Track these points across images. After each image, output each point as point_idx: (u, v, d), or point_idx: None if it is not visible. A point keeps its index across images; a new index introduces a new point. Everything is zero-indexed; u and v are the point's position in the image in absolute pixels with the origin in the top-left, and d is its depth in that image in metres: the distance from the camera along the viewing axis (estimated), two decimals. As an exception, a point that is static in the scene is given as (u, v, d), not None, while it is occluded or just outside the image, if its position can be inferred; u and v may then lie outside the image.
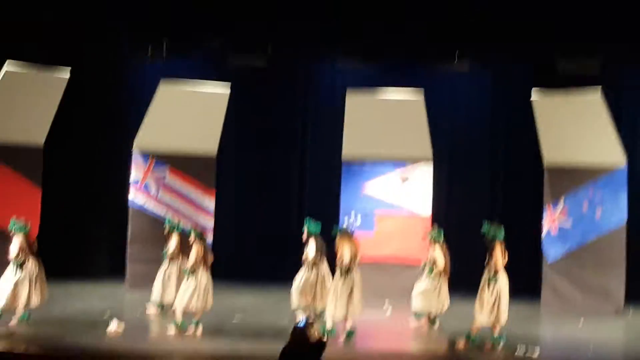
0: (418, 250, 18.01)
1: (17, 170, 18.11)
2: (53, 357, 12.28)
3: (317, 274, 15.56)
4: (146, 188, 19.34)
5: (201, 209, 19.49)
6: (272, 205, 21.81)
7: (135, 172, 19.39)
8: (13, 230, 14.73)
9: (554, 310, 17.75)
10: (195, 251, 14.47)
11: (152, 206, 19.29)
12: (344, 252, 14.20)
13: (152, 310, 16.43)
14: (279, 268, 19.51)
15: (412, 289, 15.94)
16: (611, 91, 18.18)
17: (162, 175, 19.45)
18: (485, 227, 14.16)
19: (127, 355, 12.69)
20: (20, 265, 14.55)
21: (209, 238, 18.87)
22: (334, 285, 14.33)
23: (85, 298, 17.96)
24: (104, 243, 21.20)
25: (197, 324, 14.43)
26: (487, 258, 14.00)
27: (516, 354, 13.50)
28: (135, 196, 19.31)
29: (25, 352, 12.81)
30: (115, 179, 20.81)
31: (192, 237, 14.66)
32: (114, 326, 14.34)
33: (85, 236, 20.88)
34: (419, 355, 14.13)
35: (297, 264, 15.94)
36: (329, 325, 14.18)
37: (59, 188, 19.92)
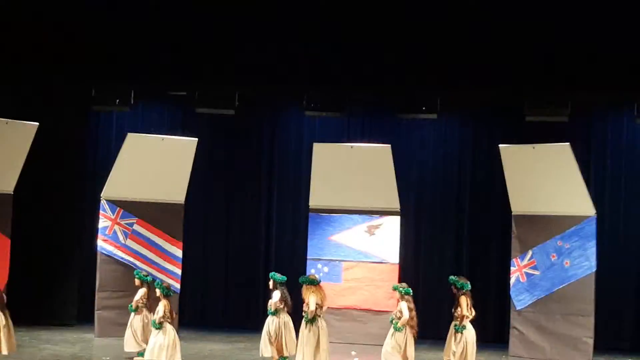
0: (387, 297, 18.06)
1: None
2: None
3: (279, 321, 15.58)
4: (114, 237, 19.28)
5: (169, 257, 19.41)
6: (240, 253, 21.77)
7: (103, 221, 19.33)
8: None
9: (522, 358, 17.77)
10: (162, 305, 14.49)
11: (120, 254, 19.24)
12: (310, 300, 14.25)
13: None
14: (248, 315, 19.54)
15: (380, 336, 15.90)
16: (580, 142, 18.39)
17: (129, 224, 19.41)
18: (452, 279, 14.26)
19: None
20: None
21: (177, 286, 18.88)
22: (301, 335, 14.38)
23: (54, 344, 17.82)
24: (72, 290, 21.03)
25: None
26: (454, 308, 14.09)
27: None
28: (103, 244, 19.25)
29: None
30: (84, 227, 20.76)
31: (158, 292, 14.68)
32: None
33: (54, 284, 20.71)
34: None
35: (265, 311, 15.96)
36: None
37: (27, 235, 19.80)
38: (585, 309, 17.55)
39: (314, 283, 14.57)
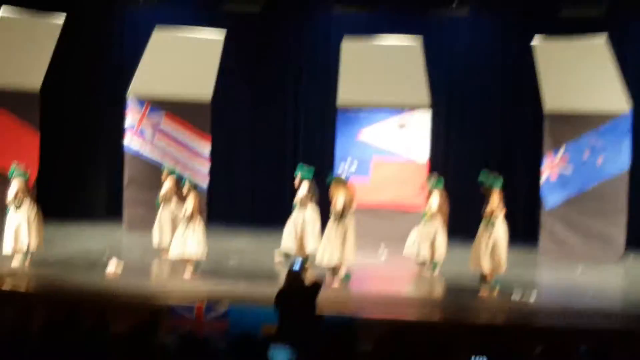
0: (414, 196, 17.96)
1: (15, 115, 17.96)
2: (54, 297, 12.30)
3: (304, 216, 15.57)
4: (141, 133, 19.22)
5: (197, 154, 19.37)
6: (268, 149, 21.68)
7: (131, 118, 19.26)
8: (13, 176, 14.89)
9: (552, 256, 17.71)
10: (191, 201, 14.43)
11: (147, 151, 19.19)
12: (338, 198, 14.15)
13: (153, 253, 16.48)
14: (274, 212, 19.50)
15: (407, 235, 15.87)
16: (616, 36, 17.97)
17: (157, 121, 19.33)
18: (483, 175, 14.08)
19: (126, 295, 12.69)
20: (18, 207, 14.69)
21: (205, 183, 18.85)
22: (327, 231, 14.31)
23: (84, 240, 18.03)
24: (101, 186, 21.19)
25: (194, 270, 14.45)
26: (484, 206, 13.92)
27: (512, 298, 13.47)
28: (131, 141, 19.20)
29: (27, 292, 12.87)
30: (111, 124, 20.72)
31: (186, 187, 14.63)
32: (112, 267, 14.43)
33: (83, 179, 20.87)
34: (414, 298, 14.11)
35: (291, 208, 15.96)
36: (343, 271, 14.14)
37: (56, 132, 19.85)
38: (617, 206, 17.43)
39: (343, 181, 14.45)
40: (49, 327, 7.35)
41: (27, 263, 14.72)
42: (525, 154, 20.06)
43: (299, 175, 15.72)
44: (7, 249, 14.74)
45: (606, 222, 17.47)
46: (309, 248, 15.50)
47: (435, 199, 15.38)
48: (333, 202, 14.23)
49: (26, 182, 15.02)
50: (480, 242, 13.91)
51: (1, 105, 17.77)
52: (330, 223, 14.23)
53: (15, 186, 14.79)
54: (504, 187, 14.00)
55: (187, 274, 14.38)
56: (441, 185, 15.53)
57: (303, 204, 15.65)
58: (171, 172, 16.55)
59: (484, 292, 13.78)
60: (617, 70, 17.25)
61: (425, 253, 15.47)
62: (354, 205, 14.45)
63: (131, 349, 6.92)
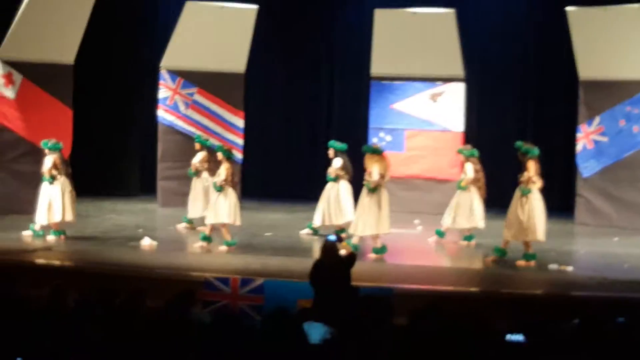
0: (450, 166, 17.90)
1: (48, 90, 17.97)
2: (89, 272, 12.35)
3: (338, 188, 15.54)
4: (175, 107, 19.21)
5: (230, 127, 19.38)
6: (300, 124, 21.69)
7: (164, 91, 19.25)
8: (47, 149, 14.89)
9: (588, 226, 17.62)
10: (224, 169, 14.41)
11: (181, 124, 19.18)
12: (373, 169, 14.06)
13: (182, 226, 16.49)
14: (309, 184, 19.49)
15: (444, 205, 15.79)
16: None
17: (190, 94, 19.31)
18: (519, 144, 13.94)
19: (161, 268, 12.72)
20: (52, 179, 14.74)
21: (239, 156, 18.84)
22: (360, 203, 14.25)
23: (118, 214, 18.09)
24: (135, 161, 21.25)
25: (227, 243, 14.46)
26: (520, 174, 13.80)
27: (549, 268, 13.39)
28: (164, 115, 19.19)
29: (63, 266, 12.94)
30: (144, 98, 20.74)
31: (220, 155, 14.61)
32: (147, 241, 14.45)
33: (116, 154, 20.96)
34: (449, 271, 14.06)
35: (325, 182, 15.90)
36: (355, 240, 14.11)
37: (88, 106, 19.86)
38: (654, 175, 17.28)
39: (378, 152, 14.36)
40: (84, 302, 7.37)
41: (62, 238, 14.79)
42: (561, 122, 19.89)
43: (331, 149, 15.66)
44: (41, 221, 14.81)
45: (642, 191, 17.35)
46: (344, 220, 15.48)
47: (470, 168, 15.28)
48: (367, 172, 14.17)
49: (61, 155, 15.07)
50: (516, 211, 13.79)
51: (35, 79, 17.72)
52: (364, 193, 14.18)
53: (50, 159, 14.84)
54: (540, 157, 13.87)
55: (226, 236, 14.40)
56: (476, 155, 15.43)
57: (337, 176, 15.60)
58: (203, 143, 16.55)
59: (520, 263, 13.69)
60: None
61: (463, 223, 15.40)
62: (388, 176, 14.39)
63: (166, 323, 6.91)
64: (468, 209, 15.31)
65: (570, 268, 13.43)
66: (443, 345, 6.20)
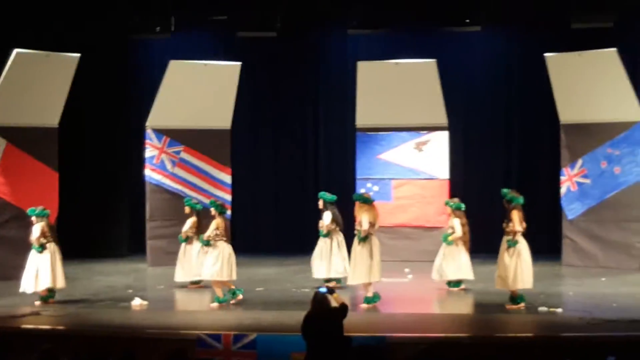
0: (438, 213, 18.02)
1: (33, 153, 18.01)
2: (80, 334, 12.32)
3: (331, 242, 15.61)
4: (162, 165, 19.29)
5: (218, 184, 19.46)
6: (289, 176, 21.76)
7: (150, 150, 19.33)
8: (34, 217, 14.87)
9: (575, 267, 17.74)
10: (215, 223, 14.48)
11: (168, 183, 19.25)
12: (363, 219, 14.15)
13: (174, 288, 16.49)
14: (300, 238, 19.55)
15: (433, 252, 15.87)
16: (627, 46, 18.02)
17: (176, 152, 19.40)
18: (505, 191, 14.07)
19: (153, 328, 12.70)
20: (42, 247, 14.69)
21: (228, 212, 18.86)
22: (353, 253, 14.32)
23: (107, 276, 18.01)
24: (123, 221, 21.20)
25: (233, 293, 14.51)
26: (505, 222, 13.92)
27: (539, 310, 13.46)
28: (151, 174, 19.25)
29: (53, 330, 12.89)
30: (131, 158, 20.82)
31: (212, 211, 14.68)
32: (138, 302, 14.45)
33: (104, 215, 20.85)
34: (441, 318, 14.10)
35: (316, 235, 15.96)
36: (370, 293, 14.16)
37: (75, 168, 19.96)
38: (637, 215, 17.48)
39: (368, 201, 14.44)
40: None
41: (51, 302, 14.69)
42: (545, 167, 20.09)
43: (321, 200, 15.75)
44: (25, 288, 14.71)
45: (626, 231, 17.48)
46: (338, 271, 15.55)
47: (457, 224, 15.41)
48: (357, 221, 14.26)
49: (48, 221, 15.00)
50: (503, 260, 13.88)
51: (19, 144, 17.75)
52: (356, 243, 14.25)
53: (38, 228, 14.76)
54: (524, 205, 14.00)
55: (218, 292, 14.43)
56: (462, 208, 15.57)
57: (329, 231, 15.65)
58: (193, 207, 16.53)
59: (510, 307, 13.77)
60: (629, 79, 17.28)
61: (452, 275, 15.50)
62: (378, 225, 14.49)
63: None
64: (456, 262, 15.43)
65: (559, 310, 13.51)
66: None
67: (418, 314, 14.11)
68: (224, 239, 14.54)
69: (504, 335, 12.22)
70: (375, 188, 19.29)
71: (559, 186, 18.23)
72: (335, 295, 10.32)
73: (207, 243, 14.49)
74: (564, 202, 18.10)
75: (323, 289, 10.19)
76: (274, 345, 10.73)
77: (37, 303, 14.62)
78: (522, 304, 13.78)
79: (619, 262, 17.44)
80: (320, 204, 15.75)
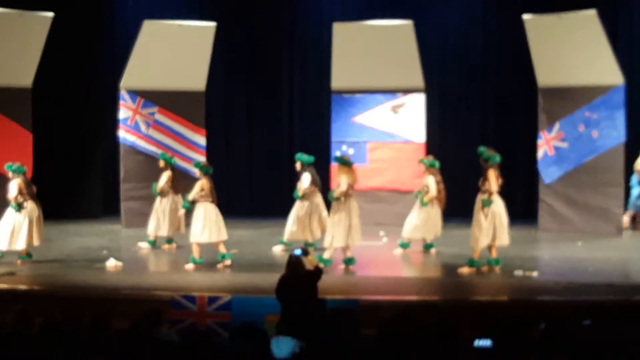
0: (413, 177, 17.93)
1: (6, 114, 17.86)
2: (54, 295, 12.28)
3: (311, 204, 15.56)
4: (136, 127, 19.13)
5: (192, 146, 19.32)
6: (263, 139, 21.64)
7: (124, 112, 19.15)
8: (11, 173, 14.76)
9: (552, 232, 17.71)
10: (200, 184, 14.41)
11: (142, 144, 19.11)
12: (342, 180, 14.11)
13: (144, 246, 16.41)
14: (274, 200, 19.49)
15: (407, 216, 15.85)
16: (607, 9, 17.92)
17: (151, 114, 19.24)
18: (481, 149, 14.02)
19: (127, 289, 12.65)
20: (19, 207, 14.60)
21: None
22: (332, 215, 14.27)
23: (82, 237, 17.94)
24: (97, 183, 21.06)
25: (222, 257, 14.45)
26: (481, 181, 13.87)
27: (514, 274, 13.46)
28: (126, 135, 19.11)
29: (28, 290, 12.84)
30: (104, 119, 20.60)
31: (197, 172, 14.62)
32: (112, 262, 14.38)
33: (79, 176, 20.70)
34: (416, 281, 14.08)
35: (290, 197, 15.89)
36: (327, 255, 14.15)
37: (49, 130, 19.77)
38: (614, 179, 17.41)
39: (347, 164, 14.39)
40: (50, 326, 7.31)
41: (27, 263, 14.65)
42: (521, 130, 20.04)
43: (298, 162, 15.68)
44: (1, 246, 14.67)
45: (604, 196, 17.45)
46: (317, 234, 15.50)
47: (432, 182, 15.35)
48: (336, 183, 14.21)
49: (25, 178, 14.89)
50: (479, 219, 13.85)
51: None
52: (334, 207, 14.20)
53: (15, 185, 14.66)
54: (500, 164, 13.95)
55: (195, 254, 14.37)
56: (436, 166, 15.51)
57: (307, 195, 15.59)
58: (168, 161, 16.47)
59: (461, 270, 13.77)
60: (609, 43, 17.19)
61: (423, 233, 15.49)
62: (356, 187, 14.45)
63: (133, 343, 6.88)
64: (429, 220, 15.40)
65: (535, 274, 13.52)
66: (412, 355, 6.22)
67: (392, 277, 14.13)
68: (210, 199, 14.46)
69: (478, 299, 12.24)
70: (351, 151, 19.16)
71: (536, 150, 18.17)
72: (309, 257, 10.27)
73: (187, 205, 14.48)
74: (540, 166, 18.04)
75: (297, 251, 10.15)
76: (249, 307, 10.69)
77: (19, 262, 14.60)
78: (498, 267, 13.79)
79: (595, 226, 17.41)
80: (298, 165, 15.69)
